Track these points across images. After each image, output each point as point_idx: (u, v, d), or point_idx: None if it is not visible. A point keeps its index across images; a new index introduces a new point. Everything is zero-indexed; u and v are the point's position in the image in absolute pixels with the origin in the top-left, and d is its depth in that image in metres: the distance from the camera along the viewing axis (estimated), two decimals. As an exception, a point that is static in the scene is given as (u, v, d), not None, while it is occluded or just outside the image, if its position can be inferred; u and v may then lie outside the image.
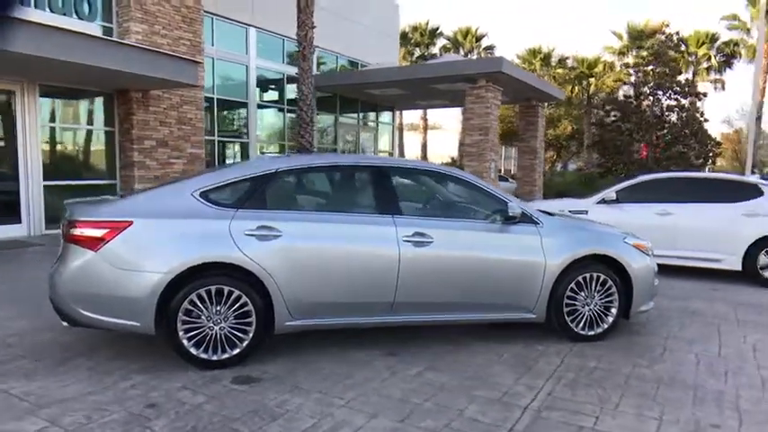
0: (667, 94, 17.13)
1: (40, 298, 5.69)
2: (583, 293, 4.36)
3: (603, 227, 4.81)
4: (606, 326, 4.44)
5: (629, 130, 17.40)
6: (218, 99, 13.67)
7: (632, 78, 24.03)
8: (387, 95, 18.28)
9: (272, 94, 15.97)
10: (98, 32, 10.19)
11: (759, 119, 22.98)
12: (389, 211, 4.03)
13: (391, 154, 21.66)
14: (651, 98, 17.40)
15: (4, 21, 1.58)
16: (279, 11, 14.14)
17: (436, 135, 37.69)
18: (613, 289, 4.42)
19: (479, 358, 4.02)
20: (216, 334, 3.68)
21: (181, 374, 3.59)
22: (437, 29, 33.10)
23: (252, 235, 3.71)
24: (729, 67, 25.05)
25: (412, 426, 2.97)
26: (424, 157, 33.53)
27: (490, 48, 32.12)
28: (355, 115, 19.23)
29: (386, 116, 21.06)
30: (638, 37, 24.98)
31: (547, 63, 27.45)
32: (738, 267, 6.92)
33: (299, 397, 3.30)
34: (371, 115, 20.35)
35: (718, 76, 24.39)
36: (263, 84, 15.53)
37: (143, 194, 4.01)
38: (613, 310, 4.45)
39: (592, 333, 4.41)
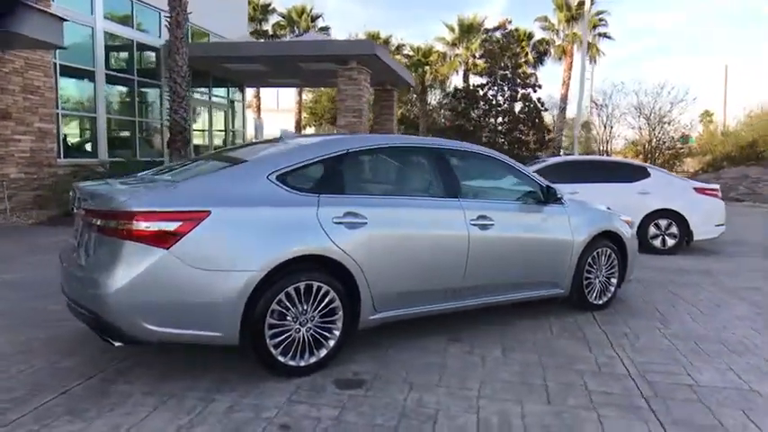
0: (509, 85, 19.04)
1: None
2: (595, 267, 4.76)
3: (600, 206, 5.26)
4: (610, 294, 4.92)
5: (478, 116, 18.98)
6: (60, 65, 11.52)
7: (462, 68, 26.18)
8: (243, 71, 17.26)
9: (121, 63, 13.98)
10: None
11: (564, 109, 26.80)
12: (455, 194, 3.94)
13: (234, 133, 20.55)
14: (496, 88, 19.16)
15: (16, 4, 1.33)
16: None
17: (271, 115, 36.56)
18: (616, 261, 4.91)
19: (539, 334, 4.17)
20: (303, 336, 3.26)
21: (268, 387, 3.11)
22: (269, 5, 31.95)
23: (340, 223, 3.34)
24: (542, 64, 28.76)
25: (563, 406, 3.00)
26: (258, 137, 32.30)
27: (325, 29, 32.01)
28: (206, 90, 17.77)
29: (235, 93, 19.84)
30: (467, 30, 27.22)
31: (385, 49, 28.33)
32: (634, 237, 8.09)
33: (428, 394, 3.10)
34: (221, 91, 18.99)
35: (533, 71, 27.73)
36: (112, 50, 13.54)
37: (208, 177, 3.29)
38: (613, 280, 4.95)
39: (601, 302, 4.85)
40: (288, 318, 3.19)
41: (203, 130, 17.96)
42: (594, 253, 4.73)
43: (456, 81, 27.46)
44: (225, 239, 3.02)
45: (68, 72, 12.02)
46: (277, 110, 41.25)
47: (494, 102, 19.09)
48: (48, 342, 3.74)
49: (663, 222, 8.06)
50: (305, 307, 3.24)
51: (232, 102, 19.60)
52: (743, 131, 30.76)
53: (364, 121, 15.15)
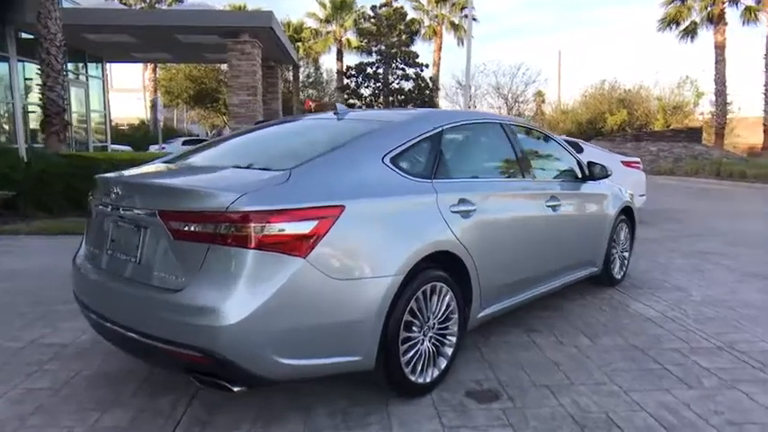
0: (397, 64, 19.02)
1: None
2: (615, 242, 4.79)
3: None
4: (625, 268, 5.00)
5: (371, 96, 18.73)
6: None
7: (335, 45, 25.60)
8: (105, 42, 15.04)
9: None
10: None
11: (437, 89, 27.53)
12: (532, 175, 3.65)
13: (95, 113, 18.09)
14: (384, 66, 19.02)
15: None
16: None
17: (118, 94, 32.72)
18: (629, 235, 5.00)
19: (600, 316, 4.07)
20: (426, 348, 2.78)
21: (399, 411, 2.63)
22: (115, -32, 28.25)
23: (457, 212, 2.88)
24: (413, 44, 29.06)
25: (705, 388, 2.91)
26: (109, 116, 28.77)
27: (182, -2, 29.17)
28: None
29: (93, 69, 17.29)
30: (340, 7, 26.54)
31: (255, 23, 26.67)
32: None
33: (576, 395, 2.81)
34: (77, 66, 16.42)
35: (405, 49, 27.97)
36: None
37: (321, 161, 2.53)
38: (626, 254, 5.04)
39: (619, 276, 4.91)
40: (414, 328, 2.69)
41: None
42: (617, 228, 4.75)
43: (325, 59, 26.83)
44: (360, 240, 2.42)
45: None
46: (112, 89, 37.03)
47: (383, 80, 19.01)
48: (58, 393, 2.78)
49: (597, 195, 8.51)
50: (428, 313, 2.76)
51: (77, 76, 16.84)
52: (579, 110, 34.40)
53: (259, 99, 14.09)
